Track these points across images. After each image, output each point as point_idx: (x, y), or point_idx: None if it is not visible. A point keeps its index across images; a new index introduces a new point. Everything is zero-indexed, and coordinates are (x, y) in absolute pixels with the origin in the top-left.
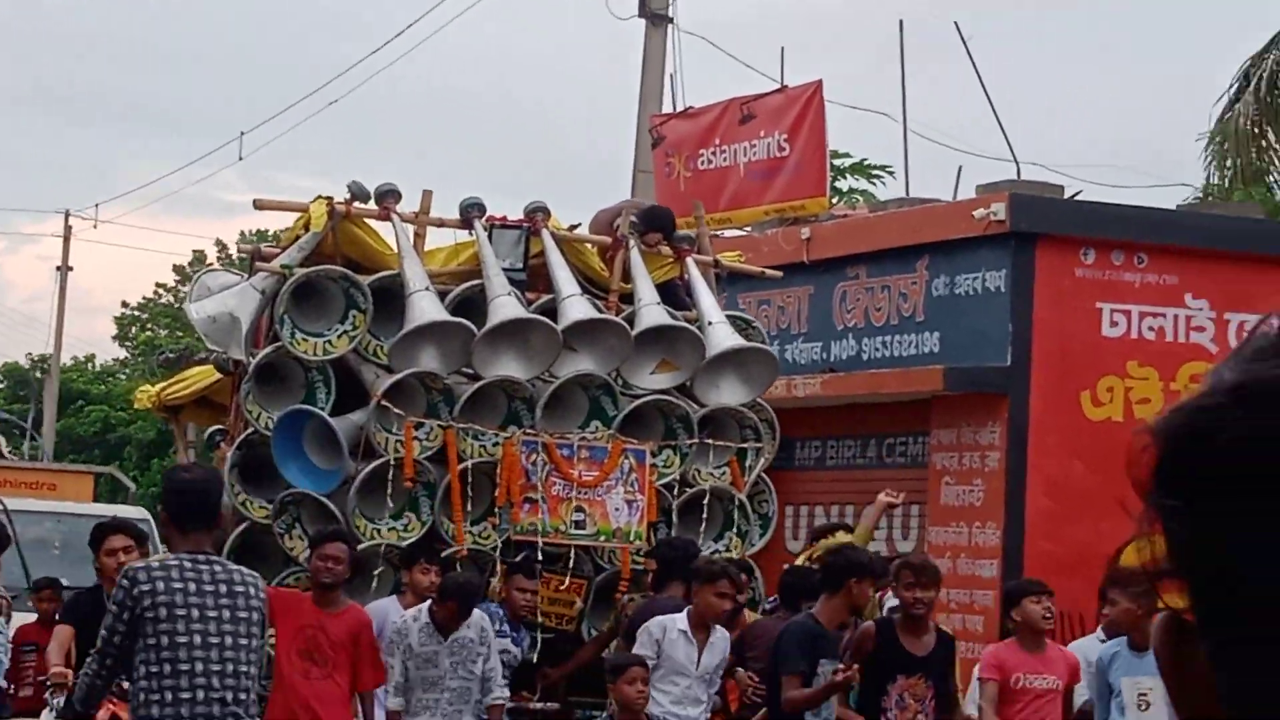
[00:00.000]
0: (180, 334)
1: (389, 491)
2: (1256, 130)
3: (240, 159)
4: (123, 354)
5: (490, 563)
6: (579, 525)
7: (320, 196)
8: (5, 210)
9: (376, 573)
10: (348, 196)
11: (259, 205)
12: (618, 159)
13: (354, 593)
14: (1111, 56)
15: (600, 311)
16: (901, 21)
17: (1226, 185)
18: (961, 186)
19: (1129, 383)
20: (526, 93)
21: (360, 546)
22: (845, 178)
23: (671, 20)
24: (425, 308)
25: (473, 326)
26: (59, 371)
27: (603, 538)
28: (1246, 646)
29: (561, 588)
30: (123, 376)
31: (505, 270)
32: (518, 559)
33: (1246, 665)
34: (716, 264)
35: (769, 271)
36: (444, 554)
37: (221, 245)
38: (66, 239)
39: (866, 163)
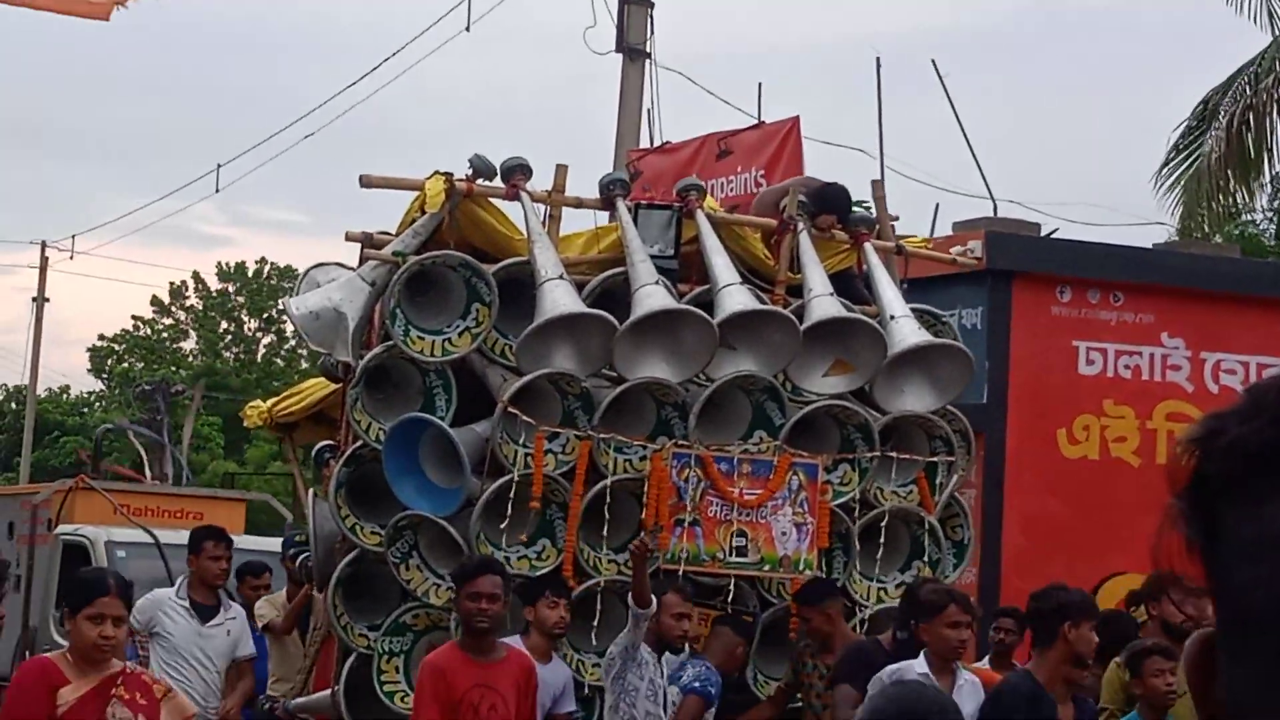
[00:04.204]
0: (156, 366)
1: (509, 512)
2: (1223, 171)
3: (217, 191)
4: (98, 386)
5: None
6: (740, 552)
7: (438, 172)
8: None
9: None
10: (469, 172)
11: (365, 182)
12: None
13: None
14: (1089, 95)
15: (764, 303)
16: (878, 58)
17: (1201, 227)
18: (938, 223)
19: (1105, 421)
20: (503, 127)
21: None
22: None
23: (649, 56)
24: (559, 299)
25: (615, 321)
26: (35, 403)
27: (767, 566)
28: (1238, 649)
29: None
30: (98, 408)
31: (653, 257)
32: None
33: (1238, 667)
34: (899, 250)
35: (961, 259)
36: (581, 588)
37: (199, 277)
38: (43, 270)
39: None
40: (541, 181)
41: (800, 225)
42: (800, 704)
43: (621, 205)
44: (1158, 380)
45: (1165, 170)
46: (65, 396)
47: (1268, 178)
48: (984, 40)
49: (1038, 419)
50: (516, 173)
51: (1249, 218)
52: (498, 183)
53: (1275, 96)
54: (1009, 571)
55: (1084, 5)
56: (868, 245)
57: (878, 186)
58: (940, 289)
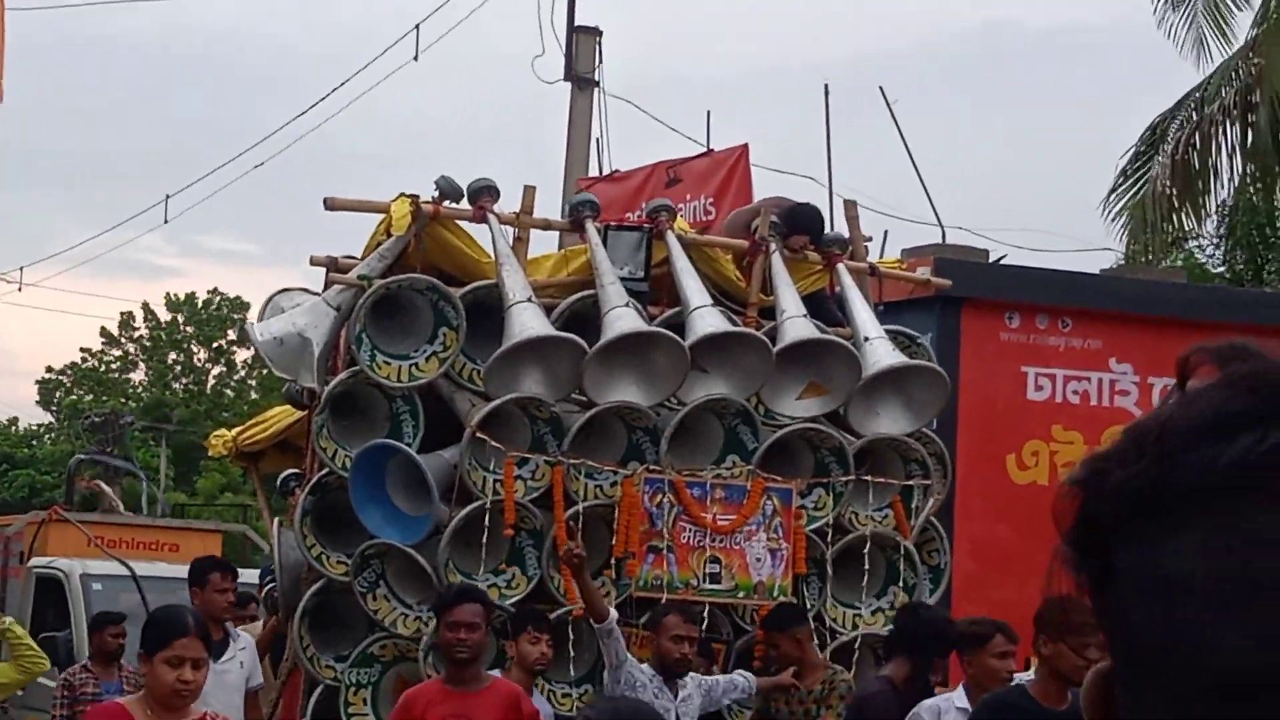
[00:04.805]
0: (105, 398)
1: (484, 540)
2: (1169, 198)
3: (166, 221)
4: (48, 418)
5: None
6: (713, 579)
7: (403, 195)
8: None
9: None
10: (435, 194)
11: (330, 205)
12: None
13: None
14: (1038, 122)
15: (736, 325)
16: (826, 85)
17: (1147, 253)
18: (887, 249)
19: (1054, 446)
20: (452, 156)
21: None
22: None
23: (598, 84)
24: (528, 322)
25: (584, 344)
26: None
27: (742, 593)
28: (1134, 686)
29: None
30: (48, 440)
31: (623, 279)
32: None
33: (1136, 705)
34: (873, 271)
35: (936, 280)
36: (554, 615)
37: (148, 308)
38: None
39: None
40: (508, 204)
41: (772, 246)
42: None
43: (591, 227)
44: (1106, 405)
45: (1113, 196)
46: (14, 429)
47: (1213, 204)
48: (933, 66)
49: (986, 444)
50: (484, 194)
51: (1195, 244)
52: (465, 205)
53: (1220, 122)
54: (959, 597)
55: (1033, 33)
56: (841, 266)
57: (850, 207)
58: (890, 315)
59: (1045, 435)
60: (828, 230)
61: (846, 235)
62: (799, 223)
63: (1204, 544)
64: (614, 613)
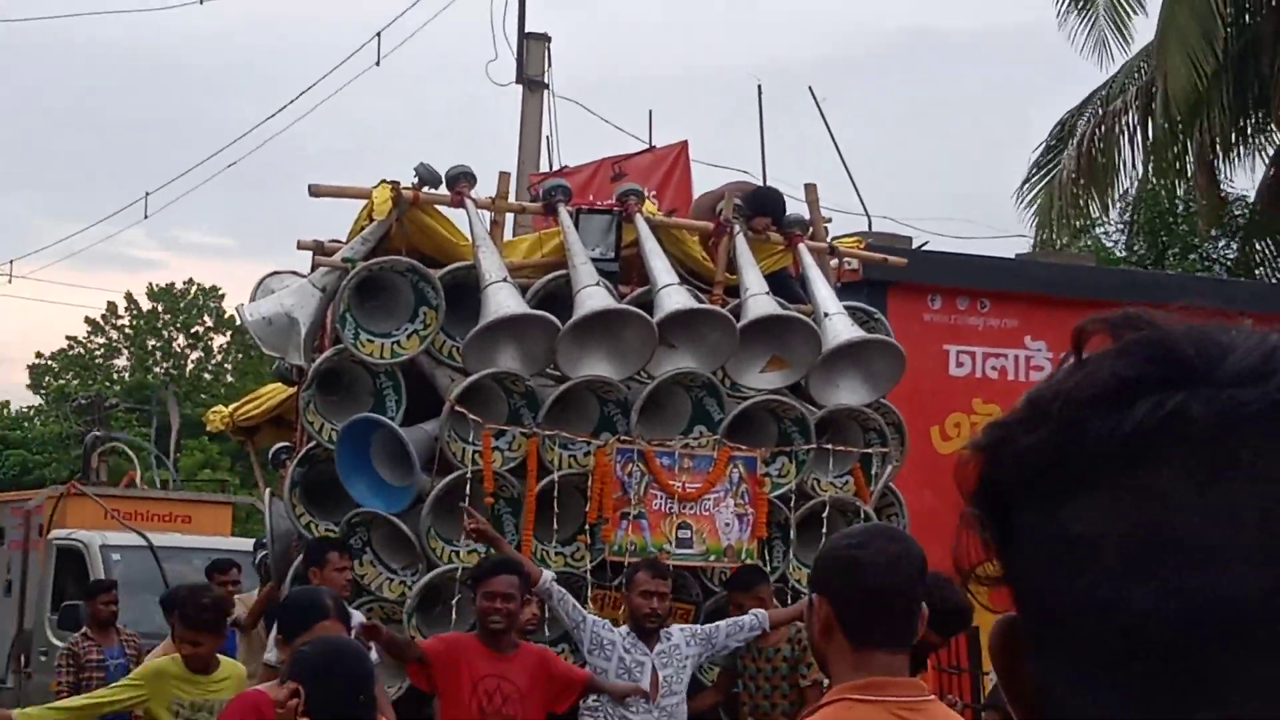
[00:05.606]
0: (91, 382)
1: (461, 507)
2: (1076, 188)
3: (146, 217)
4: (37, 401)
5: (583, 586)
6: (684, 544)
7: (384, 181)
8: None
9: (455, 601)
10: (415, 181)
11: (315, 192)
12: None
13: (433, 624)
14: (957, 119)
15: (702, 303)
16: (760, 85)
17: (1056, 239)
18: None
19: (975, 418)
20: (412, 154)
21: (436, 571)
22: None
23: (547, 86)
24: (504, 301)
25: (557, 321)
26: None
27: (713, 557)
28: (1038, 642)
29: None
30: (37, 422)
31: (594, 260)
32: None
33: (1040, 659)
34: (832, 250)
35: (892, 259)
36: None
37: (130, 298)
38: None
39: None
40: (483, 190)
41: (736, 228)
42: (739, 688)
43: (563, 210)
44: (1022, 380)
45: (1026, 187)
46: (5, 411)
47: (1117, 194)
48: (860, 68)
49: (912, 418)
50: (461, 180)
51: (1102, 230)
52: (443, 190)
53: (1124, 119)
54: None
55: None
56: (802, 246)
57: (811, 190)
58: None
59: (966, 408)
60: (789, 212)
61: (807, 217)
62: (762, 205)
63: (1106, 507)
64: (548, 573)
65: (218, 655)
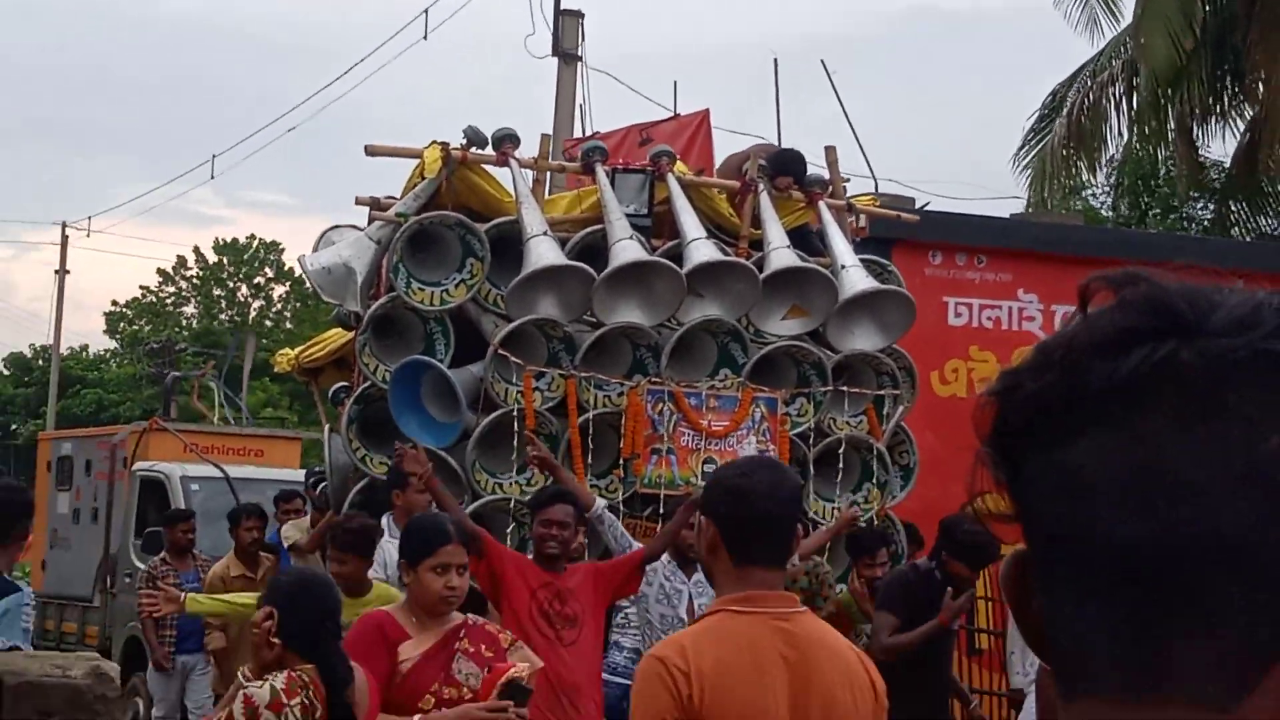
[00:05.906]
0: (162, 328)
1: (516, 443)
2: (1066, 154)
3: (213, 177)
4: (113, 345)
5: (617, 516)
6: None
7: (435, 142)
8: (11, 222)
9: (508, 530)
10: (463, 142)
11: (371, 151)
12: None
13: None
14: (956, 93)
15: (728, 255)
16: (776, 59)
17: (1048, 201)
18: None
19: (971, 364)
20: (457, 120)
21: (481, 501)
22: None
23: (581, 59)
24: (543, 252)
25: (593, 271)
26: (59, 360)
27: None
28: (1047, 575)
29: None
30: (113, 364)
31: (629, 216)
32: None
33: (1048, 592)
34: (850, 208)
35: (905, 215)
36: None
37: (198, 252)
38: (64, 247)
39: None
40: (526, 152)
41: (761, 186)
42: None
43: (600, 170)
44: (1015, 329)
45: (1020, 153)
46: (84, 354)
47: (1104, 159)
48: (871, 44)
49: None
50: (506, 142)
51: (1090, 192)
52: (489, 151)
53: (1110, 90)
54: None
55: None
56: (821, 203)
57: (830, 152)
58: None
59: (964, 355)
60: (809, 172)
61: (827, 177)
62: (785, 165)
63: (1105, 446)
64: (600, 501)
65: (371, 579)
